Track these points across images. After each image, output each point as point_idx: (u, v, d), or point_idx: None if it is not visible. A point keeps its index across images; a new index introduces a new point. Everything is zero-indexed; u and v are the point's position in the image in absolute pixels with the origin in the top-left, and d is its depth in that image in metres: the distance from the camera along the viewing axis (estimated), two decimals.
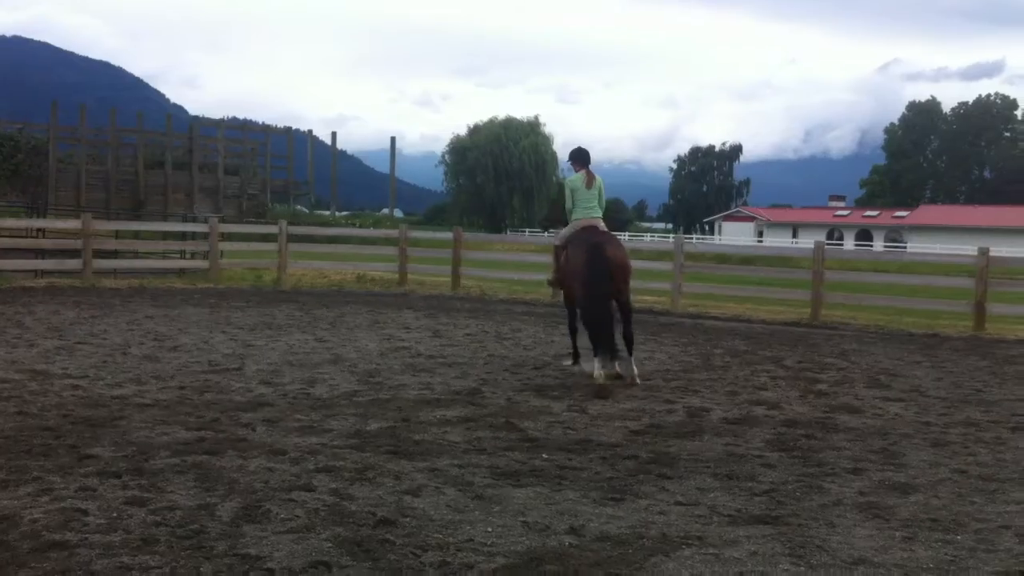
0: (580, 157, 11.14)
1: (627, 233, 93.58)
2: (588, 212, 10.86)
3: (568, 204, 11.05)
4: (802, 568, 4.71)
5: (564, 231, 11.11)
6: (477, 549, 4.81)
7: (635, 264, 22.81)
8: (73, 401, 8.18)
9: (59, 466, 6.05)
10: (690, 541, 5.05)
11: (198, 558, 4.54)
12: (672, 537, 5.10)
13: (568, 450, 6.96)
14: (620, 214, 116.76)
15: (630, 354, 10.28)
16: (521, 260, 24.73)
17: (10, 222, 25.07)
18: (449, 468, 6.32)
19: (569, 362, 11.30)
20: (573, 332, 11.34)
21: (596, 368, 9.79)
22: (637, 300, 20.04)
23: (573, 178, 11.12)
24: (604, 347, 9.77)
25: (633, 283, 21.12)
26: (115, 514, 5.15)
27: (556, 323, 15.90)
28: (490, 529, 5.12)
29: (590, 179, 10.91)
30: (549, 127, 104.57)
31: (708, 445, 7.33)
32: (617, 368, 9.92)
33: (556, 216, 12.10)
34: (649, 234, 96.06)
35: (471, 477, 6.12)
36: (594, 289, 10.01)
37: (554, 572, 4.52)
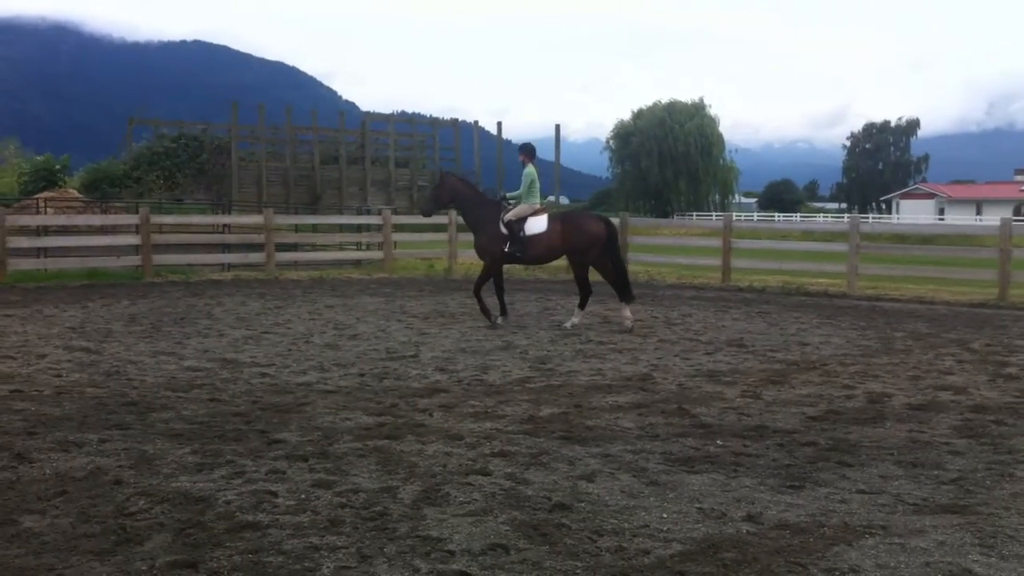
0: (532, 151, 13.57)
1: (799, 214, 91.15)
2: (538, 199, 13.35)
3: (523, 190, 13.20)
4: (993, 559, 4.51)
5: (518, 210, 13.13)
6: (653, 535, 4.81)
7: (807, 246, 22.30)
8: (261, 388, 8.59)
9: (250, 450, 6.36)
10: (873, 530, 4.90)
11: (382, 539, 4.70)
12: (854, 526, 4.97)
13: (743, 436, 6.86)
14: (789, 194, 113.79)
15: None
16: (689, 244, 24.41)
17: (198, 219, 26.47)
18: (623, 454, 6.33)
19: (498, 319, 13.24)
20: (501, 291, 13.60)
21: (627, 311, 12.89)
22: (812, 283, 19.55)
23: (531, 170, 13.30)
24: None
25: (804, 266, 20.56)
26: (303, 496, 5.38)
27: (727, 307, 15.68)
28: (665, 515, 5.11)
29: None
30: (714, 108, 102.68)
31: (890, 432, 7.10)
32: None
33: (436, 201, 13.87)
34: (822, 215, 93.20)
35: (645, 463, 6.11)
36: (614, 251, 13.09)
37: (732, 559, 4.47)
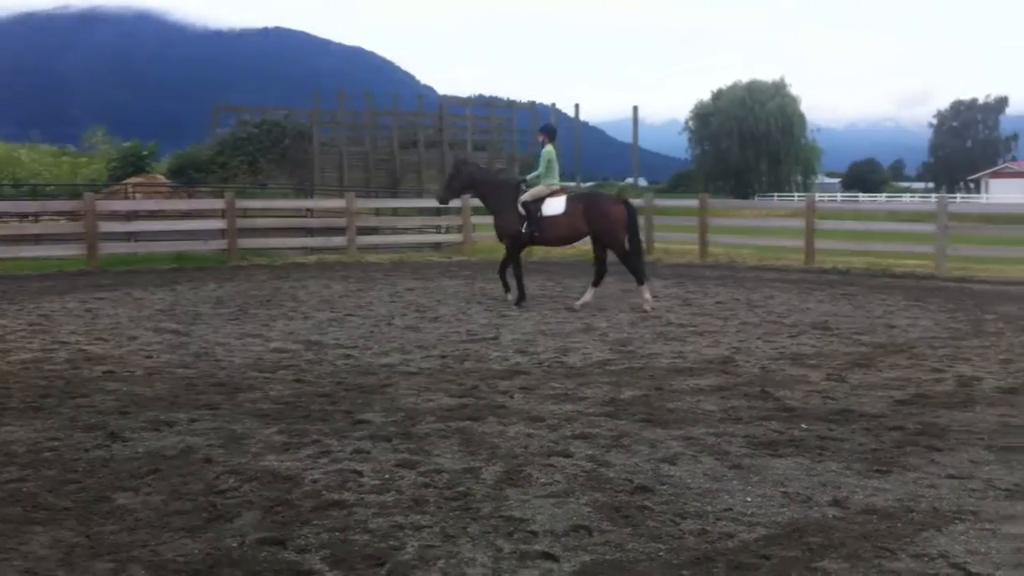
0: (552, 132, 13.74)
1: (883, 194, 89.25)
2: (556, 179, 13.39)
3: (542, 170, 13.25)
4: None
5: (535, 191, 13.23)
6: (737, 519, 4.77)
7: (893, 227, 21.87)
8: (345, 369, 8.71)
9: (335, 430, 6.47)
10: (963, 516, 4.81)
11: (465, 519, 4.75)
12: (944, 511, 4.87)
13: (828, 420, 6.76)
14: (873, 175, 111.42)
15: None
16: (770, 225, 24.08)
17: (281, 203, 26.88)
18: (705, 437, 6.29)
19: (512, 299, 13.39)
20: (519, 277, 13.54)
21: (647, 294, 12.92)
22: (898, 264, 19.16)
23: (549, 149, 13.40)
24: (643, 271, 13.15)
25: (891, 247, 20.14)
26: (387, 475, 5.46)
27: (810, 289, 15.44)
28: (749, 499, 5.07)
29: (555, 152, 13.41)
30: (796, 87, 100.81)
31: (981, 416, 6.93)
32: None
33: (451, 189, 14.05)
34: (908, 195, 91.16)
35: (727, 446, 6.07)
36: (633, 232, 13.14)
37: (818, 544, 4.42)
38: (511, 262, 13.53)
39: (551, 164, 13.29)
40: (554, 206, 13.13)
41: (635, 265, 13.09)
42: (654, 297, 13.22)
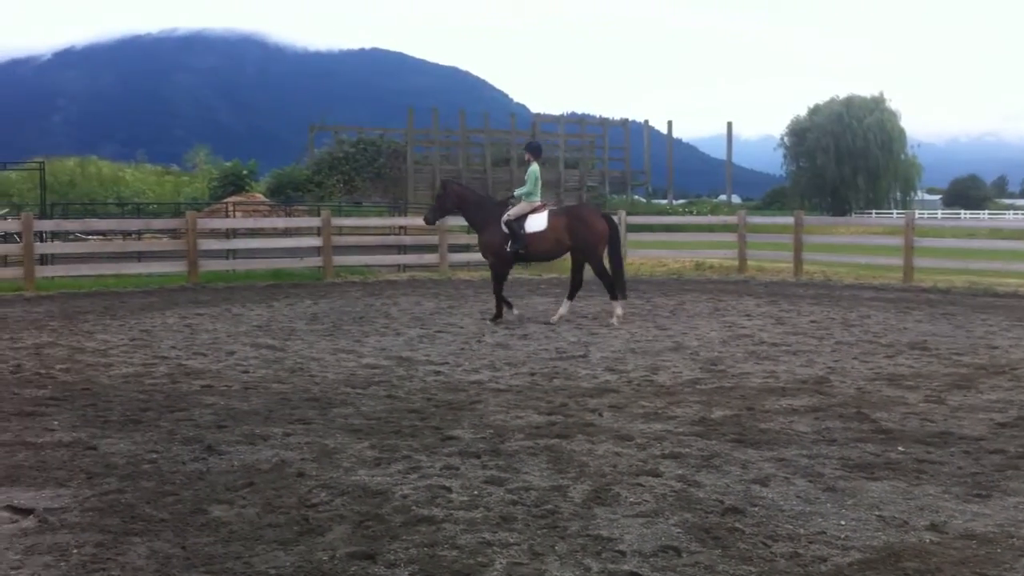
0: (538, 150, 14.22)
1: (986, 211, 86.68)
2: (539, 196, 13.63)
3: (530, 187, 13.47)
4: None
5: (518, 209, 13.49)
6: (830, 542, 4.68)
7: (996, 244, 21.24)
8: (435, 385, 8.79)
9: (425, 446, 6.52)
10: None
11: (553, 537, 4.74)
12: None
13: (926, 443, 6.58)
14: (976, 190, 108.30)
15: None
16: (868, 243, 23.58)
17: (375, 221, 27.27)
18: (798, 458, 6.18)
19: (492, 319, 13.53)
20: (498, 292, 13.73)
21: (619, 310, 13.32)
22: (1000, 283, 18.59)
23: (535, 168, 13.69)
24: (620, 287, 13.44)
25: (993, 265, 19.64)
26: (476, 492, 5.48)
27: (909, 308, 15.08)
28: (843, 522, 4.96)
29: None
30: (895, 102, 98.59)
31: None
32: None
33: (442, 210, 14.31)
34: (1011, 212, 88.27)
35: (821, 468, 5.95)
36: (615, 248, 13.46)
37: (914, 569, 4.31)
38: (500, 280, 13.76)
39: (537, 182, 13.61)
40: (537, 222, 13.39)
41: (613, 280, 13.38)
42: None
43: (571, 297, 13.75)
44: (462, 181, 15.49)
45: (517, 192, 13.91)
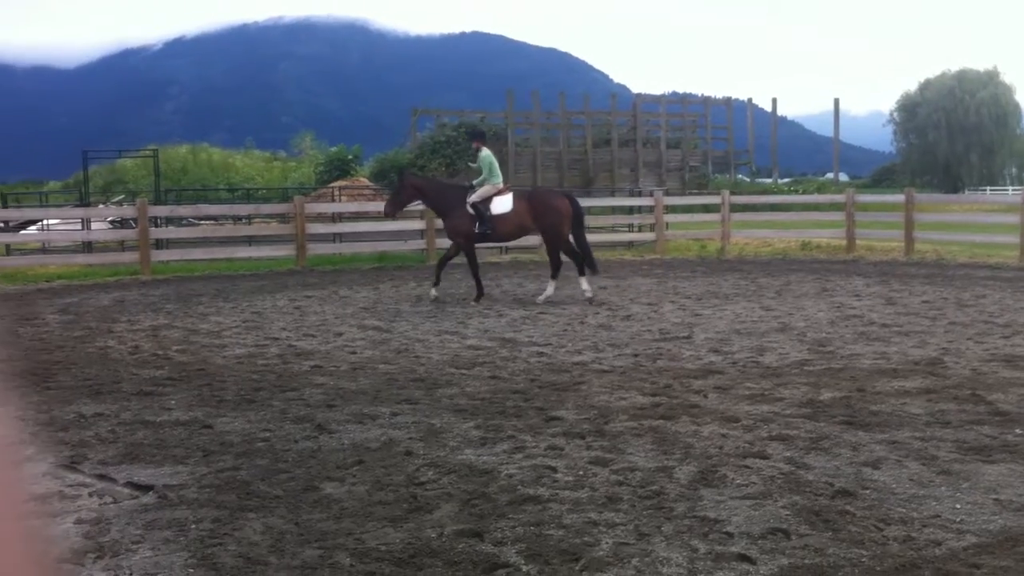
0: (482, 135, 15.25)
1: None
2: (499, 179, 13.96)
3: (485, 174, 13.80)
4: None
5: (482, 191, 13.72)
6: (945, 526, 4.57)
7: None
8: (539, 366, 8.83)
9: (529, 426, 6.56)
10: None
11: (659, 518, 4.73)
12: None
13: None
14: None
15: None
16: (982, 221, 22.80)
17: None
18: (910, 441, 6.03)
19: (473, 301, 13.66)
20: (476, 272, 14.04)
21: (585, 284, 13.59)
22: None
23: (486, 153, 14.15)
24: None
25: None
26: (581, 472, 5.50)
27: None
28: (958, 506, 4.84)
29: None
30: (1009, 76, 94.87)
31: None
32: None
33: (399, 202, 14.41)
34: None
35: (935, 451, 5.80)
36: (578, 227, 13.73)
37: None
38: (472, 260, 14.08)
39: (492, 166, 13.95)
40: (502, 204, 13.73)
41: (584, 258, 13.71)
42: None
43: (554, 277, 13.92)
44: (411, 171, 16.20)
45: (475, 182, 14.12)
